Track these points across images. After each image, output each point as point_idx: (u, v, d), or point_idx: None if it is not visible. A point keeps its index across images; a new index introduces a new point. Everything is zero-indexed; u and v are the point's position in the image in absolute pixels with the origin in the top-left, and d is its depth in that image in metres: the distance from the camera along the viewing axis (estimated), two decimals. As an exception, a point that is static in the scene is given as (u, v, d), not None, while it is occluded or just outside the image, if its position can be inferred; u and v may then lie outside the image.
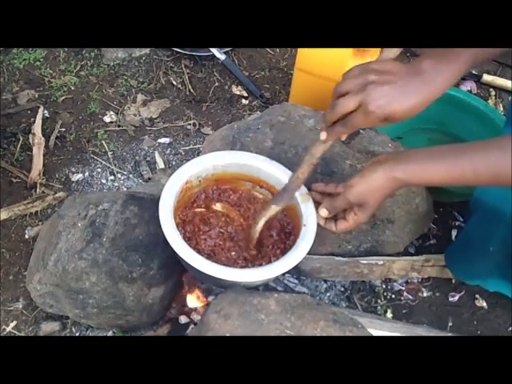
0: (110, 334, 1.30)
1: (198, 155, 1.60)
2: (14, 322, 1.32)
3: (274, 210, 1.15)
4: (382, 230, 1.36)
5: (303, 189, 1.20)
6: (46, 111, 1.68)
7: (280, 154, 1.32)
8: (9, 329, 1.31)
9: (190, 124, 1.70)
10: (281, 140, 1.34)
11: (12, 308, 1.34)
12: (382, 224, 1.35)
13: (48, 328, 1.29)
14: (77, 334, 1.29)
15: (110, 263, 1.18)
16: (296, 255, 1.12)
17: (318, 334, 1.05)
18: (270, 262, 1.17)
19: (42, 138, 1.59)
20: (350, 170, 1.30)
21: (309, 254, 1.19)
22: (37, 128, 1.61)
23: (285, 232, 1.23)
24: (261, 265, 1.16)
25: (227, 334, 1.02)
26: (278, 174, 1.23)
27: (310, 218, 1.17)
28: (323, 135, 1.05)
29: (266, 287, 1.32)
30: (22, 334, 1.30)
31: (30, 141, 1.58)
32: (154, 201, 1.22)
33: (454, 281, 1.42)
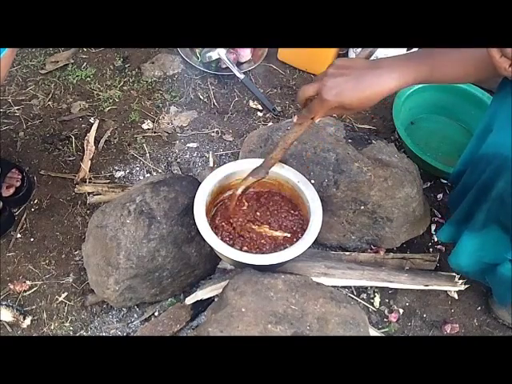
0: (168, 301, 1.30)
1: (220, 157, 1.61)
2: (65, 293, 1.33)
3: (250, 181, 1.17)
4: (382, 227, 1.36)
5: (312, 190, 1.20)
6: (92, 119, 1.68)
7: (302, 151, 1.34)
8: (61, 298, 1.32)
9: (213, 132, 1.70)
10: (304, 140, 1.35)
11: (64, 281, 1.35)
12: (383, 221, 1.35)
13: (93, 299, 1.30)
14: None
15: (172, 233, 1.19)
16: (302, 245, 1.12)
17: (318, 310, 1.05)
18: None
19: (94, 146, 1.60)
20: (357, 171, 1.30)
21: (319, 240, 1.25)
22: (91, 137, 1.61)
23: (302, 223, 1.23)
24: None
25: (243, 309, 1.02)
26: (290, 175, 1.24)
27: (316, 214, 1.17)
28: (295, 118, 1.04)
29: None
30: (72, 304, 1.31)
31: (84, 146, 1.59)
32: (173, 178, 1.28)
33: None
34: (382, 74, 0.93)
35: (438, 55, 0.95)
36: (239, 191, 1.18)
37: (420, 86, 1.68)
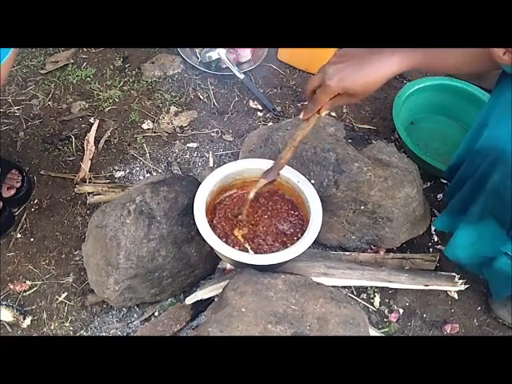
0: (168, 301, 1.30)
1: (220, 157, 1.61)
2: (65, 293, 1.33)
3: (262, 183, 1.16)
4: (382, 227, 1.35)
5: (312, 190, 1.20)
6: (92, 119, 1.68)
7: (302, 151, 1.33)
8: (61, 299, 1.32)
9: (213, 132, 1.70)
10: (304, 140, 1.34)
11: (64, 281, 1.35)
12: (383, 221, 1.34)
13: (93, 299, 1.30)
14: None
15: (172, 233, 1.19)
16: (302, 245, 1.12)
17: (318, 310, 1.05)
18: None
19: (94, 146, 1.60)
20: (357, 171, 1.29)
21: (319, 240, 1.25)
22: (91, 137, 1.61)
23: (302, 223, 1.22)
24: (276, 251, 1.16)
25: (243, 309, 1.02)
26: (290, 175, 1.23)
27: (316, 214, 1.17)
28: (301, 114, 1.05)
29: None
30: (72, 304, 1.31)
31: (84, 146, 1.59)
32: (173, 178, 1.28)
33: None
34: (382, 58, 0.94)
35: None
36: (251, 195, 1.17)
37: (420, 85, 1.68)
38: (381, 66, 0.94)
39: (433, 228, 1.50)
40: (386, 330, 1.32)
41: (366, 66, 0.94)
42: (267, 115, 1.75)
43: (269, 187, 1.21)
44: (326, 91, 0.96)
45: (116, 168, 1.58)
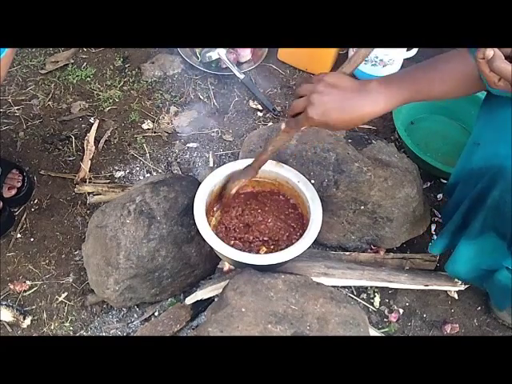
0: (168, 301, 1.30)
1: (220, 157, 1.61)
2: (65, 293, 1.33)
3: (240, 182, 1.17)
4: (382, 227, 1.35)
5: (312, 190, 1.20)
6: (92, 119, 1.68)
7: (301, 151, 1.33)
8: (61, 299, 1.32)
9: (213, 132, 1.70)
10: (304, 140, 1.35)
11: (64, 281, 1.35)
12: (383, 221, 1.34)
13: (93, 299, 1.30)
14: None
15: (172, 233, 1.19)
16: (302, 245, 1.12)
17: (318, 310, 1.05)
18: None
19: (94, 146, 1.60)
20: (357, 171, 1.29)
21: (319, 240, 1.26)
22: (91, 137, 1.61)
23: (302, 223, 1.22)
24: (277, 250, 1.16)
25: (242, 309, 1.02)
26: (290, 175, 1.23)
27: (316, 214, 1.17)
28: (283, 125, 1.03)
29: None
30: (72, 304, 1.31)
31: (84, 146, 1.59)
32: (173, 178, 1.28)
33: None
34: (367, 98, 0.93)
35: (423, 76, 0.96)
36: (233, 192, 1.18)
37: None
38: (364, 106, 0.92)
39: (433, 228, 1.50)
40: (386, 330, 1.32)
41: (350, 103, 0.92)
42: (267, 115, 1.75)
43: (256, 184, 1.26)
44: (308, 121, 0.94)
45: (116, 168, 1.58)
